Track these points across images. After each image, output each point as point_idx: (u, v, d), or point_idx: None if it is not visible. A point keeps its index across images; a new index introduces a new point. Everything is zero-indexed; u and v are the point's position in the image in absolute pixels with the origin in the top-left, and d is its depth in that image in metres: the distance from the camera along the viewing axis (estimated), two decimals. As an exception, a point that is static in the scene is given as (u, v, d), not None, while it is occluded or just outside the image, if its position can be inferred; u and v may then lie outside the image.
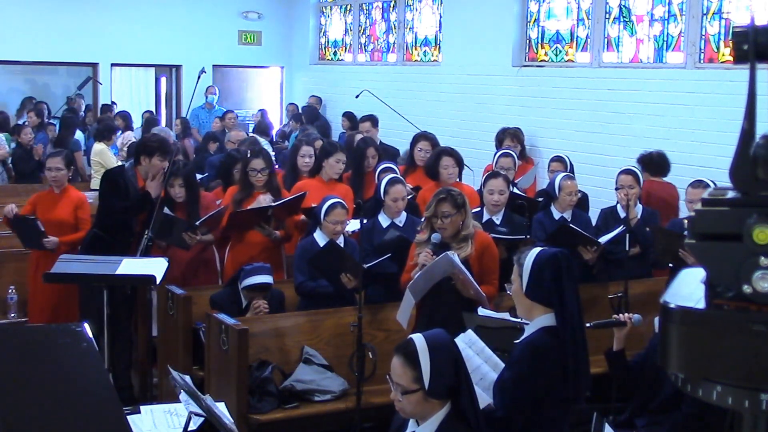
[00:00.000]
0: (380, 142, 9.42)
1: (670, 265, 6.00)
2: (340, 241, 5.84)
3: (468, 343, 3.74)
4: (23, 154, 10.74)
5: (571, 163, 8.00)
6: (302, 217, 6.69)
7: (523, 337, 3.63)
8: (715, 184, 5.58)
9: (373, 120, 10.09)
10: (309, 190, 6.68)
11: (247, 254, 6.35)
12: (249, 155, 6.76)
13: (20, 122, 12.31)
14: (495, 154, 7.85)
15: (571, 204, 6.60)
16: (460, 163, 6.92)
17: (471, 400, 3.12)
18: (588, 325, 3.98)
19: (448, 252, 4.94)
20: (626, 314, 4.35)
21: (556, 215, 6.58)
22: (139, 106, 15.16)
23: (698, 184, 6.20)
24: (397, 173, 6.56)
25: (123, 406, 2.58)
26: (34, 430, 2.12)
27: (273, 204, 6.37)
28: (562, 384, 3.54)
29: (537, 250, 3.64)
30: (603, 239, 6.30)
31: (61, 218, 6.63)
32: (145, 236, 6.15)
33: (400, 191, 6.02)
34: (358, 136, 8.80)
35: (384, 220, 6.03)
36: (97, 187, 7.19)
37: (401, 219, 6.04)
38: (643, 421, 4.34)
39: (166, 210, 6.31)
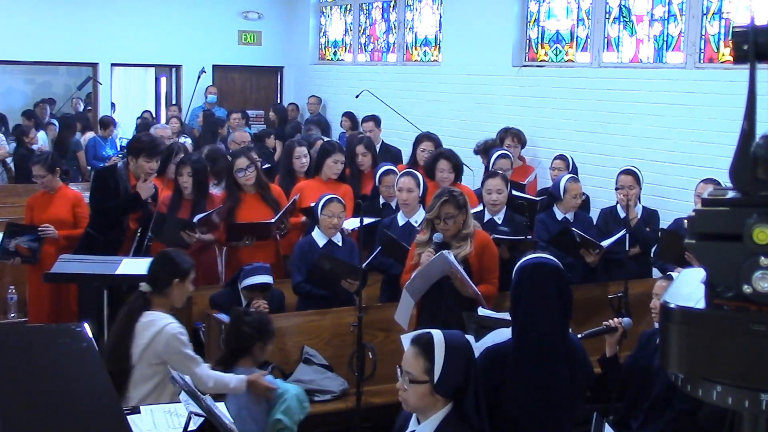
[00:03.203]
0: (382, 142, 9.42)
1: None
2: (338, 239, 5.84)
3: None
4: (27, 153, 10.75)
5: (574, 162, 7.99)
6: (303, 218, 6.68)
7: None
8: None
9: (376, 120, 10.03)
10: (308, 190, 6.67)
11: (247, 254, 6.34)
12: (230, 158, 6.70)
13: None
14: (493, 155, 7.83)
15: (575, 206, 6.57)
16: (457, 167, 6.81)
17: (476, 404, 3.10)
18: (579, 336, 3.95)
19: (443, 251, 4.93)
20: (616, 319, 4.32)
21: (559, 216, 6.56)
22: (140, 106, 15.16)
23: (709, 181, 6.19)
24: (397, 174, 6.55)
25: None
26: (33, 430, 2.11)
27: (273, 220, 6.30)
28: (525, 394, 3.48)
29: (526, 258, 3.63)
30: (605, 243, 6.28)
31: (59, 217, 6.67)
32: (146, 236, 6.14)
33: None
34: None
35: (401, 219, 6.07)
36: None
37: (417, 218, 6.01)
38: (637, 422, 4.33)
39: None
